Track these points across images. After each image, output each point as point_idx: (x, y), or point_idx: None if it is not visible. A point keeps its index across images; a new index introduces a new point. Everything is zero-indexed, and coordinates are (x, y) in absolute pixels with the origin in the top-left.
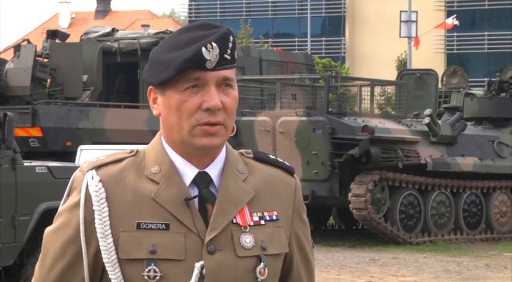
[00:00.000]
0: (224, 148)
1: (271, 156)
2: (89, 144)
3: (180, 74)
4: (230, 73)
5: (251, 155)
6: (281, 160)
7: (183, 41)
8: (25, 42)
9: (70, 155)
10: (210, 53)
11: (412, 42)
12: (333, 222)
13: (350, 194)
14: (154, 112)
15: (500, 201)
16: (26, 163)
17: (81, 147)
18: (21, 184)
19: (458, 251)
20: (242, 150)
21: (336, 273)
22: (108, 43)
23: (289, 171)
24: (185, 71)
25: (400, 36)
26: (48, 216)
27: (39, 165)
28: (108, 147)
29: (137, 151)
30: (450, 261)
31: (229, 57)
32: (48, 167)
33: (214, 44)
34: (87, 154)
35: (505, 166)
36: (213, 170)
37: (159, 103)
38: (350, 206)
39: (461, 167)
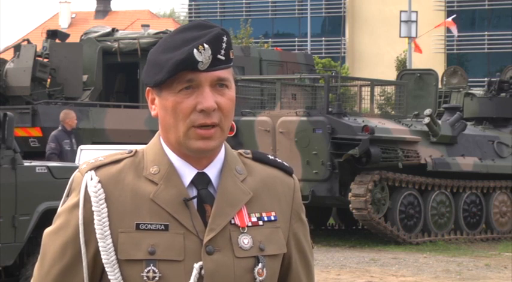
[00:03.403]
0: (223, 148)
1: (270, 157)
2: (89, 144)
3: (173, 76)
4: (225, 73)
5: (250, 155)
6: (280, 160)
7: (176, 43)
8: (25, 42)
9: None
10: (202, 55)
11: (412, 44)
12: (333, 222)
13: (350, 194)
14: (153, 113)
15: (500, 201)
16: (26, 163)
17: (81, 147)
18: (21, 184)
19: (458, 251)
20: (241, 151)
21: (336, 273)
22: (108, 43)
23: (288, 172)
24: (178, 73)
25: (400, 36)
26: (48, 216)
27: (39, 165)
28: (108, 147)
29: (136, 151)
30: (450, 261)
31: (223, 58)
32: (48, 167)
33: (206, 46)
34: (87, 154)
35: (505, 166)
36: (212, 171)
37: (156, 104)
38: (350, 206)
39: (461, 167)
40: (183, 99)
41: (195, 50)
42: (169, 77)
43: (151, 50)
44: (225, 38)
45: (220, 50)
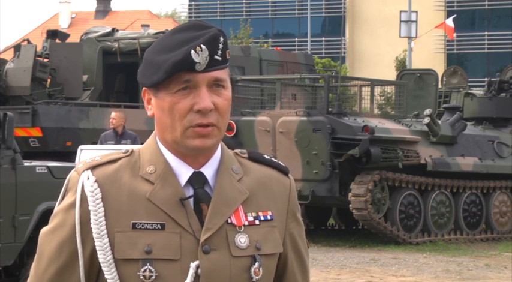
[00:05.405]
0: (219, 148)
1: (266, 156)
2: (89, 144)
3: (170, 76)
4: (221, 74)
5: (246, 155)
6: (275, 160)
7: (173, 43)
8: (25, 42)
9: (70, 155)
10: (199, 56)
11: (412, 43)
12: (333, 222)
13: (350, 194)
14: (149, 113)
15: (500, 201)
16: (26, 163)
17: (81, 147)
18: (21, 184)
19: (458, 251)
20: (237, 150)
21: (336, 273)
22: (108, 43)
23: (284, 171)
24: (175, 74)
25: (400, 36)
26: (48, 216)
27: (39, 165)
28: (107, 147)
29: (132, 151)
30: (450, 261)
31: (220, 58)
32: (48, 167)
33: (203, 47)
34: (87, 154)
35: (505, 166)
36: (208, 170)
37: (153, 104)
38: (350, 206)
39: (461, 167)
40: (180, 99)
41: (192, 51)
42: (167, 78)
43: (147, 50)
44: (221, 39)
45: (217, 50)
